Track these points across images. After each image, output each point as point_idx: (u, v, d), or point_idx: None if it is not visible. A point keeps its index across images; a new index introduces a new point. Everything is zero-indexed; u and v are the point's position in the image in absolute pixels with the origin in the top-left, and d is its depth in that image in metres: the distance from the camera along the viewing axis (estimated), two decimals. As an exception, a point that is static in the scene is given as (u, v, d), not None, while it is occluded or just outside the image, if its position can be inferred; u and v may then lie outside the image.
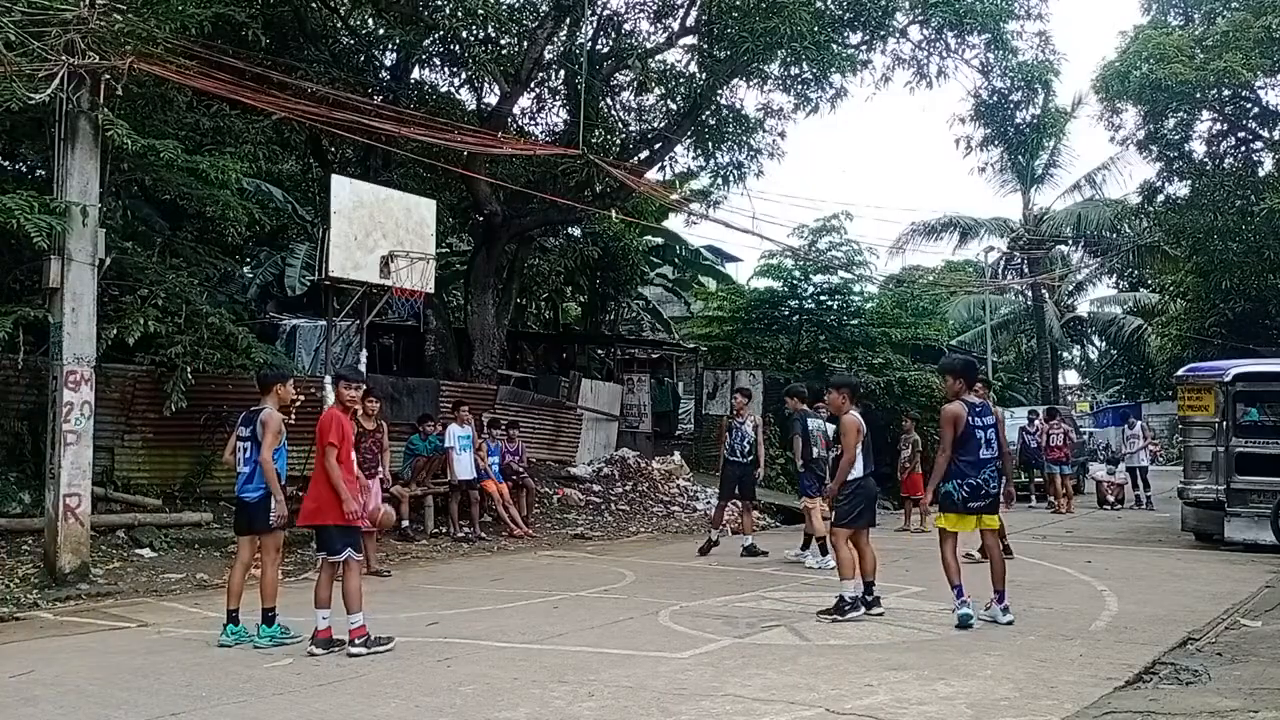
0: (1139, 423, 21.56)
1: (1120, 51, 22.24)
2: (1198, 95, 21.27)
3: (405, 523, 13.27)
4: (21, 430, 11.53)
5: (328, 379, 11.30)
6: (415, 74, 18.30)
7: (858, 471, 8.32)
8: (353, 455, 7.58)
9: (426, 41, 16.43)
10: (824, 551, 11.21)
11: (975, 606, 7.86)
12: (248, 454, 7.44)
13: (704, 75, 18.18)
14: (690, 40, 18.53)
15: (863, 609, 8.12)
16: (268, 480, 7.30)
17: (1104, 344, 43.53)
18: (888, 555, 12.52)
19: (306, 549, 11.48)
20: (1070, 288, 40.59)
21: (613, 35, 18.89)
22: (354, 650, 6.90)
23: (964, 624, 7.69)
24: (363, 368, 12.71)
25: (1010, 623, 7.82)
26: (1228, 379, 13.12)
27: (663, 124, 19.54)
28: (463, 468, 13.64)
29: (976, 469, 7.87)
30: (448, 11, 15.65)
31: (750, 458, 12.40)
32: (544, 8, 17.57)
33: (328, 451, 7.08)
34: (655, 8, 18.88)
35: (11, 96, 9.14)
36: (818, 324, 23.12)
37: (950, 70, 19.58)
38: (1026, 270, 36.99)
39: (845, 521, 8.38)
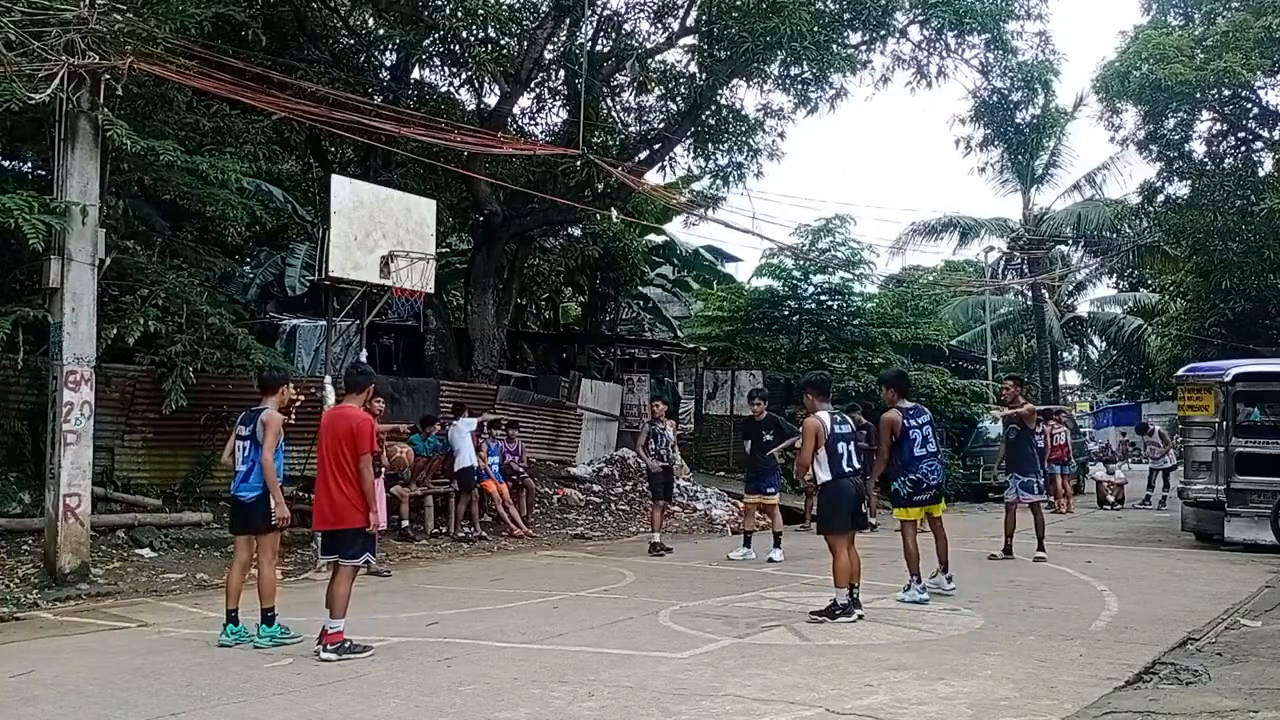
0: (1158, 428, 21.34)
1: (1120, 51, 22.21)
2: (1198, 95, 21.25)
3: (405, 523, 13.27)
4: (21, 430, 11.54)
5: (328, 379, 11.29)
6: (415, 74, 18.31)
7: (825, 475, 8.04)
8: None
9: (426, 41, 16.43)
10: (746, 544, 12.30)
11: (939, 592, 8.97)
12: (246, 453, 7.41)
13: (704, 75, 18.16)
14: (690, 40, 18.54)
15: (856, 614, 7.98)
16: (268, 481, 7.26)
17: (1104, 344, 43.44)
18: (887, 555, 12.52)
19: (307, 549, 11.50)
20: (1070, 288, 40.53)
21: (613, 35, 18.89)
22: (325, 655, 6.79)
23: (920, 603, 8.77)
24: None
25: (953, 591, 9.17)
26: (1228, 379, 13.12)
27: (663, 124, 19.53)
28: (468, 460, 13.67)
29: (914, 465, 8.96)
30: (448, 11, 15.64)
31: (672, 461, 13.11)
32: (544, 8, 17.57)
33: (364, 459, 6.96)
34: (655, 8, 18.88)
35: (11, 96, 9.14)
36: (818, 324, 23.09)
37: (950, 70, 19.62)
38: (1026, 270, 36.92)
39: (826, 526, 8.32)
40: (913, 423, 8.98)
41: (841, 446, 8.10)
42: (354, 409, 7.27)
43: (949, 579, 9.33)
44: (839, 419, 8.26)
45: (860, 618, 8.01)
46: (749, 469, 12.73)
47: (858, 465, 8.30)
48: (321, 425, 7.33)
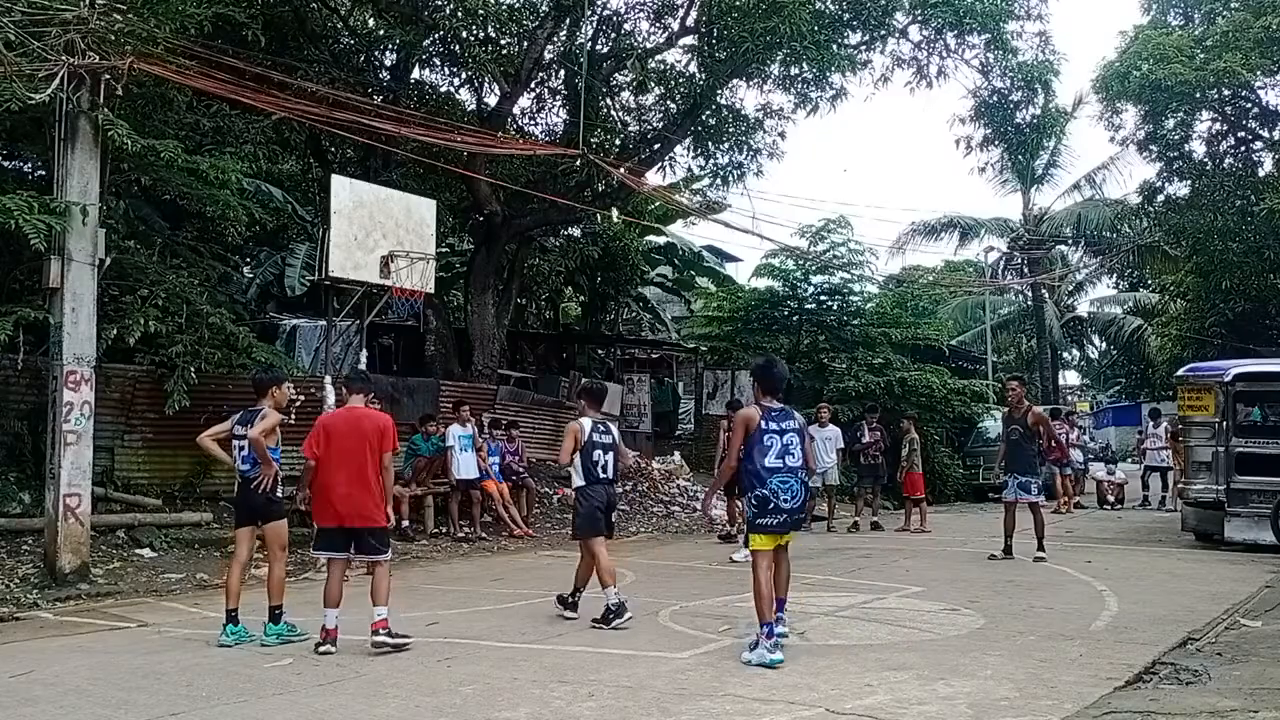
0: (1165, 420, 20.10)
1: (1120, 51, 22.25)
2: (1197, 95, 21.27)
3: (405, 523, 13.27)
4: (21, 430, 11.53)
5: (328, 379, 11.30)
6: (415, 74, 18.32)
7: (579, 480, 8.15)
8: None
9: (426, 41, 16.44)
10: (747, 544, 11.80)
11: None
12: (245, 452, 7.44)
13: (704, 75, 18.18)
14: (690, 40, 18.54)
15: (623, 616, 7.82)
16: (258, 453, 7.30)
17: (1104, 344, 43.47)
18: (888, 555, 12.55)
19: (306, 549, 11.48)
20: (1070, 288, 40.55)
21: (613, 35, 18.90)
22: (379, 639, 7.03)
23: (770, 666, 6.52)
24: (363, 368, 12.72)
25: (785, 634, 7.15)
26: (1228, 379, 13.11)
27: (662, 124, 19.54)
28: (464, 467, 13.67)
29: (762, 478, 6.91)
30: (448, 11, 15.66)
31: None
32: (544, 8, 17.58)
33: (388, 457, 7.31)
34: (655, 8, 18.89)
35: (11, 96, 9.14)
36: (818, 324, 23.08)
37: (950, 70, 19.65)
38: (1026, 270, 36.96)
39: (580, 530, 8.24)
40: (773, 426, 6.95)
41: (598, 455, 8.15)
42: (372, 410, 7.56)
43: (779, 619, 7.12)
44: (601, 429, 8.27)
45: (571, 617, 8.06)
46: None
47: (612, 475, 8.31)
48: (336, 426, 7.33)
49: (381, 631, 7.06)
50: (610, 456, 8.26)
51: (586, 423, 8.20)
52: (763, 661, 6.51)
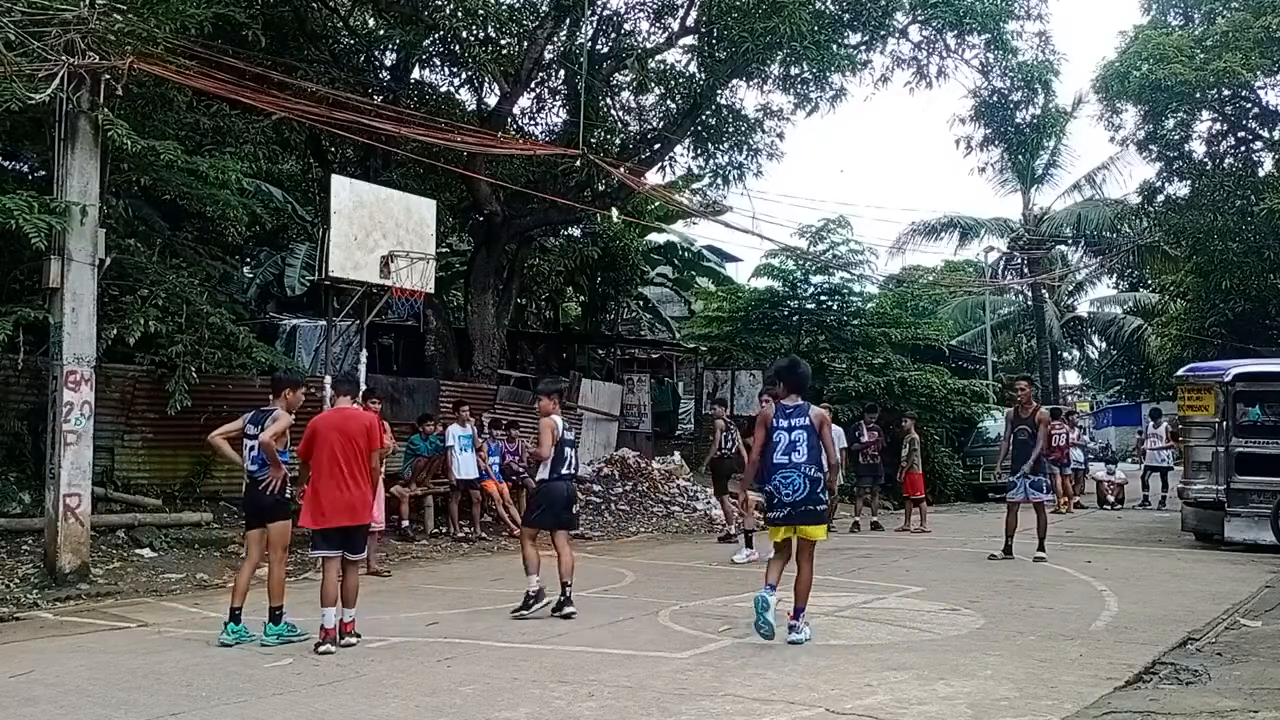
0: (1165, 420, 19.84)
1: (1120, 51, 22.26)
2: (1197, 95, 21.29)
3: (405, 523, 13.27)
4: (21, 430, 11.53)
5: (328, 379, 11.29)
6: (415, 74, 18.32)
7: (544, 474, 8.41)
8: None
9: (426, 41, 16.43)
10: (748, 544, 11.93)
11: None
12: (257, 452, 7.46)
13: (704, 75, 18.19)
14: (690, 40, 18.55)
15: (541, 604, 8.24)
16: (267, 455, 7.34)
17: (1104, 344, 43.48)
18: (888, 555, 12.55)
19: (306, 549, 11.48)
20: (1070, 288, 40.54)
21: (613, 35, 18.90)
22: (350, 641, 7.16)
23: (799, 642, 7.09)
24: (363, 368, 12.72)
25: (804, 639, 7.18)
26: (1228, 379, 13.11)
27: (662, 124, 19.54)
28: (464, 468, 13.66)
29: (769, 475, 7.31)
30: (448, 11, 15.65)
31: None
32: (544, 8, 17.58)
33: (377, 455, 7.47)
34: (655, 8, 18.89)
35: (11, 96, 9.14)
36: (818, 324, 23.06)
37: (950, 70, 19.67)
38: (1026, 270, 36.95)
39: (528, 521, 8.80)
40: (782, 423, 7.31)
41: (567, 451, 8.46)
42: (358, 409, 7.68)
43: (794, 628, 7.23)
44: (567, 427, 8.66)
45: (570, 612, 8.14)
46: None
47: (575, 470, 8.69)
48: (322, 427, 7.36)
49: (351, 633, 7.20)
50: (575, 453, 8.72)
51: (559, 420, 8.45)
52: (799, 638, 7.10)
